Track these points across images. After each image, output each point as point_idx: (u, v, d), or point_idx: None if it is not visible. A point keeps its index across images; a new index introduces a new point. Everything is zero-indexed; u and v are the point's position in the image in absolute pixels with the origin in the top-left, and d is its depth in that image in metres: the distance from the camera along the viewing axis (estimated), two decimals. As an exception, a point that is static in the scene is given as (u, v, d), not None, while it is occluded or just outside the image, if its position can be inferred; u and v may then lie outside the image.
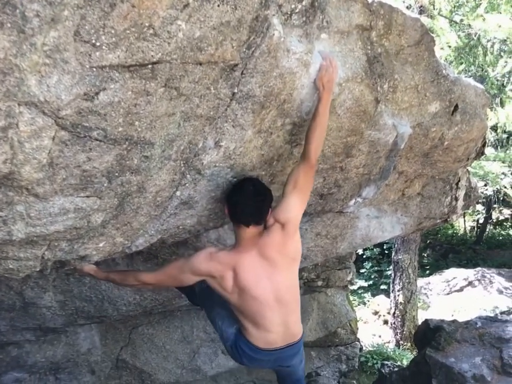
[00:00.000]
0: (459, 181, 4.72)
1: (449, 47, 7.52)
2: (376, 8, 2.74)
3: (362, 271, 15.84)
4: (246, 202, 2.75)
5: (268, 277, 2.88)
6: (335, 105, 2.79)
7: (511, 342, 5.28)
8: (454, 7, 8.02)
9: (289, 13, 2.32)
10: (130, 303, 3.87)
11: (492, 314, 11.39)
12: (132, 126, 2.06)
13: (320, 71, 2.56)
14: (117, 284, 3.42)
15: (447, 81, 3.38)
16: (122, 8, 1.70)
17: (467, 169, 4.83)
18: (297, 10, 2.35)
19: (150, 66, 1.91)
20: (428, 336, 5.79)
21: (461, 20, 8.01)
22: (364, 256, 16.10)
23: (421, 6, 6.00)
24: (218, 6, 1.96)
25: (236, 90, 2.34)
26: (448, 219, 5.05)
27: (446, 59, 9.23)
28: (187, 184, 2.62)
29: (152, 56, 1.88)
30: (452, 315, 11.91)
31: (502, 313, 11.59)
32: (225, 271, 2.86)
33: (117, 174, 2.22)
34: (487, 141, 9.99)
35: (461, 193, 4.84)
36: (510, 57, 7.48)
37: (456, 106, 3.56)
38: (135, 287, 3.42)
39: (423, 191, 4.45)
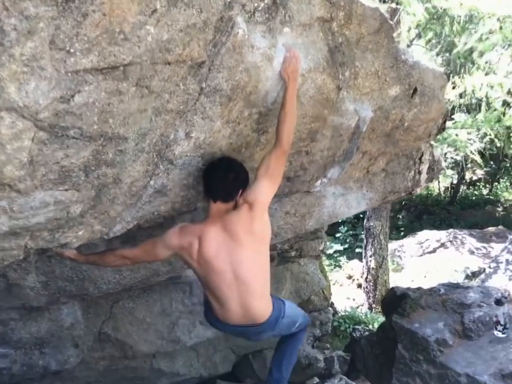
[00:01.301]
0: (422, 155, 4.91)
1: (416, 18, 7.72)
2: (337, 0, 2.88)
3: (338, 235, 16.12)
4: (216, 178, 2.90)
5: (228, 251, 3.01)
6: (299, 95, 2.93)
7: (472, 307, 5.57)
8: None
9: (252, 11, 2.44)
10: (110, 282, 4.01)
11: (463, 275, 11.84)
12: (106, 123, 2.18)
13: (284, 63, 2.70)
14: (97, 265, 3.58)
15: (406, 66, 3.55)
16: (94, 17, 1.80)
17: (430, 144, 5.02)
18: (260, 8, 2.47)
19: (121, 68, 2.03)
20: (395, 303, 6.05)
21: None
22: (340, 221, 16.36)
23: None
24: (185, 10, 2.08)
25: (204, 85, 2.47)
26: (412, 192, 5.25)
27: (417, 26, 9.40)
28: (160, 174, 2.76)
29: (123, 59, 2.00)
30: (425, 276, 12.29)
31: (472, 273, 12.00)
32: (192, 240, 3.04)
33: (93, 168, 2.35)
34: (457, 107, 10.26)
35: (424, 167, 5.04)
36: (474, 29, 7.67)
37: (415, 89, 3.73)
38: (115, 265, 3.53)
39: (387, 167, 4.64)
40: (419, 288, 6.22)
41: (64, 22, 1.76)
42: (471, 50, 7.46)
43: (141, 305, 5.45)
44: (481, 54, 7.17)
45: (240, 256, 3.01)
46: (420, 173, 5.03)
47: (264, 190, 2.98)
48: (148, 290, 5.37)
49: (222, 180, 2.91)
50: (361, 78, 3.30)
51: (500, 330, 5.20)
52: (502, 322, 5.16)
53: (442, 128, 4.67)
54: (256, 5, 2.44)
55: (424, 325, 5.48)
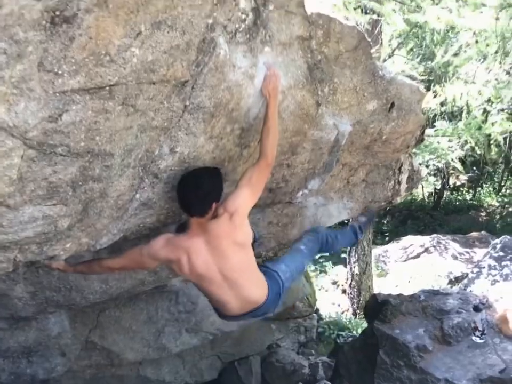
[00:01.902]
0: (401, 166, 5.03)
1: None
2: (315, 19, 2.99)
3: (323, 240, 16.18)
4: (188, 195, 2.96)
5: (215, 262, 3.12)
6: (280, 110, 3.04)
7: (451, 313, 5.68)
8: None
9: (233, 32, 2.54)
10: (97, 292, 4.07)
11: (446, 280, 11.96)
12: (93, 140, 2.27)
13: (264, 81, 2.80)
14: (85, 274, 3.66)
15: (383, 81, 3.67)
16: (80, 40, 1.88)
17: (409, 154, 5.14)
18: (241, 29, 2.57)
19: (108, 88, 2.11)
20: (376, 309, 6.15)
21: (411, 1, 8.29)
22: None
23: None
24: (168, 32, 2.17)
25: (187, 103, 2.56)
26: (392, 201, 5.37)
27: (399, 35, 9.55)
28: (145, 188, 2.85)
29: (109, 79, 2.08)
30: (409, 281, 12.38)
31: (455, 278, 12.12)
32: (180, 255, 3.11)
33: (80, 183, 2.43)
34: (439, 115, 10.42)
35: (404, 177, 5.16)
36: (455, 38, 7.83)
37: (393, 103, 3.86)
38: (102, 273, 3.64)
39: (367, 178, 4.75)
40: (400, 295, 6.33)
41: (52, 45, 1.84)
42: (449, 63, 7.62)
43: (127, 313, 5.51)
44: (457, 68, 7.33)
45: (226, 264, 3.13)
46: (399, 182, 5.16)
47: (245, 199, 3.07)
48: (134, 299, 5.43)
49: (195, 197, 2.96)
50: (340, 93, 3.42)
51: (478, 336, 5.31)
52: (480, 328, 5.28)
53: (420, 140, 4.79)
54: (237, 26, 2.54)
55: (405, 331, 5.59)
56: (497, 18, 5.69)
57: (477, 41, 6.47)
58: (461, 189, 21.73)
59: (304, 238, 3.90)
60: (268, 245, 4.61)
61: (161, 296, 5.70)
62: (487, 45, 6.05)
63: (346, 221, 4.12)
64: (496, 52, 5.85)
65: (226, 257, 3.12)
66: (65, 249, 2.80)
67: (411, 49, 9.62)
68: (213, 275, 3.15)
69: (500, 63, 5.74)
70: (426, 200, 21.19)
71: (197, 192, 2.95)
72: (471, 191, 21.40)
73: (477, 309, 5.36)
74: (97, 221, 2.77)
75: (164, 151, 2.72)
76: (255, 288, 3.32)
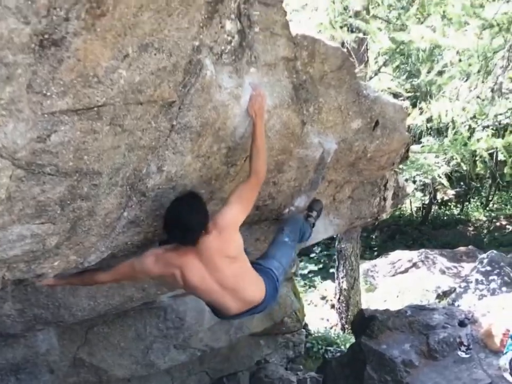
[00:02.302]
0: (387, 182, 5.10)
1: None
2: (300, 40, 3.06)
3: (312, 255, 16.20)
4: (179, 223, 2.96)
5: (210, 275, 3.14)
6: (266, 129, 3.09)
7: (437, 328, 5.73)
8: (389, 9, 8.45)
9: (219, 53, 2.60)
10: (85, 309, 4.09)
11: (434, 295, 12.03)
12: (81, 160, 2.30)
13: (250, 101, 2.86)
14: (76, 285, 3.68)
15: (367, 101, 3.75)
16: (69, 63, 1.92)
17: (394, 171, 5.21)
18: (227, 51, 2.63)
19: (95, 109, 2.15)
20: (363, 324, 6.19)
21: (396, 19, 8.44)
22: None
23: (356, 13, 6.35)
24: (155, 54, 2.22)
25: (174, 123, 2.61)
26: (378, 218, 5.44)
27: (385, 53, 9.68)
28: (133, 206, 2.88)
29: (97, 100, 2.12)
30: (397, 296, 12.44)
31: (443, 292, 12.19)
32: (174, 271, 3.12)
33: (68, 202, 2.46)
34: (425, 131, 10.54)
35: (389, 194, 5.23)
36: (440, 55, 7.95)
37: (377, 122, 3.93)
38: (93, 285, 3.67)
39: (353, 195, 4.81)
40: (387, 310, 6.38)
41: (41, 68, 1.87)
42: (433, 82, 7.73)
43: (115, 330, 5.52)
44: (441, 87, 7.45)
45: (222, 275, 3.17)
46: (385, 199, 5.22)
47: (235, 215, 3.11)
48: (123, 315, 5.44)
49: (183, 233, 3.00)
50: (324, 112, 3.49)
51: (463, 351, 5.36)
52: (466, 343, 5.33)
53: (405, 157, 4.86)
54: (223, 47, 2.60)
55: (392, 346, 5.63)
56: (480, 38, 5.81)
57: (460, 60, 6.59)
58: (449, 203, 21.88)
59: (286, 229, 3.89)
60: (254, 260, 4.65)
61: (150, 312, 5.71)
62: (470, 65, 6.16)
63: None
64: (479, 71, 5.96)
65: (220, 270, 3.16)
66: (53, 267, 2.82)
67: (397, 67, 9.76)
68: (210, 286, 3.19)
69: (483, 82, 5.84)
70: (415, 215, 21.31)
71: (186, 230, 2.99)
72: (458, 205, 21.56)
73: (462, 324, 5.41)
74: (85, 239, 2.80)
75: (151, 169, 2.76)
76: (254, 288, 3.38)
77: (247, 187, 3.08)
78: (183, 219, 2.93)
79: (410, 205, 21.12)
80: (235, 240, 3.19)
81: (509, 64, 5.41)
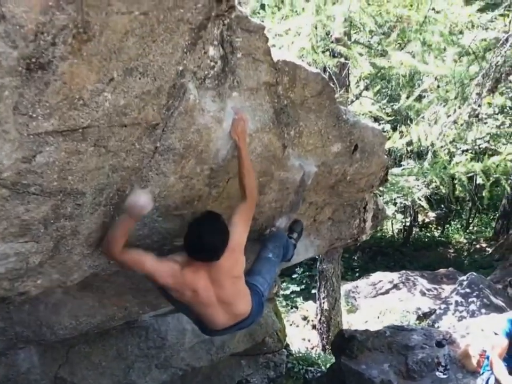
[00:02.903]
0: (366, 204, 5.19)
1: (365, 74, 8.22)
2: (281, 66, 3.14)
3: (294, 276, 16.22)
4: (203, 242, 3.04)
5: (214, 291, 3.24)
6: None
7: (416, 349, 5.80)
8: (370, 35, 8.62)
9: (203, 78, 2.66)
10: (67, 327, 4.08)
11: (415, 316, 12.12)
12: (65, 180, 2.35)
13: (233, 125, 2.93)
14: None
15: (347, 125, 3.85)
16: (55, 85, 1.98)
17: (374, 194, 5.30)
18: (210, 76, 2.70)
19: (80, 130, 2.21)
20: (343, 345, 6.24)
21: (378, 44, 8.62)
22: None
23: (337, 38, 6.49)
24: (140, 78, 2.29)
25: (158, 145, 2.67)
26: (358, 239, 5.52)
27: (366, 77, 9.85)
28: (116, 225, 2.93)
29: (82, 122, 2.18)
30: (378, 317, 12.51)
31: (424, 314, 12.29)
32: (184, 290, 3.20)
33: (52, 221, 2.51)
34: (406, 154, 10.70)
35: (369, 216, 5.31)
36: (420, 80, 8.13)
37: (356, 146, 4.02)
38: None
39: (333, 216, 4.89)
40: (366, 331, 6.44)
41: (28, 90, 1.93)
42: (411, 107, 7.89)
43: (97, 349, 5.50)
44: (419, 112, 7.61)
45: (224, 292, 3.29)
46: (364, 221, 5.30)
47: (241, 236, 3.25)
48: (104, 334, 5.43)
49: (211, 245, 3.08)
50: (305, 136, 3.57)
51: (441, 371, 5.42)
52: (443, 364, 5.39)
53: (384, 180, 4.96)
54: (206, 72, 2.67)
55: (371, 366, 5.68)
56: (458, 65, 5.97)
57: (438, 86, 6.75)
58: (430, 225, 22.08)
59: (270, 245, 3.95)
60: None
61: (131, 331, 5.71)
62: (447, 91, 6.32)
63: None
64: (456, 97, 6.10)
65: (225, 288, 3.28)
66: (37, 286, 2.85)
67: (378, 91, 9.92)
68: (211, 300, 3.28)
69: (459, 107, 5.98)
70: (396, 236, 21.46)
71: (210, 250, 3.10)
72: (439, 228, 21.75)
73: (439, 344, 5.48)
74: (68, 258, 2.84)
75: (135, 190, 2.81)
76: (243, 302, 3.47)
77: (246, 207, 3.20)
78: (208, 239, 3.04)
79: (392, 227, 21.29)
80: (242, 261, 3.35)
81: (482, 92, 5.55)
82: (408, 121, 8.78)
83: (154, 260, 3.11)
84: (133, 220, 2.86)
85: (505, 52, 5.23)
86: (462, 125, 6.50)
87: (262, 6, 6.79)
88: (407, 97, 7.49)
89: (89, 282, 3.60)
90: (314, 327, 12.24)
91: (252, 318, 3.56)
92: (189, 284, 3.17)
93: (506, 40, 5.23)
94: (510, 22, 5.83)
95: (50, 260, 2.74)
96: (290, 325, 12.64)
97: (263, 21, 6.45)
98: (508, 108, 11.43)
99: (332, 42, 6.38)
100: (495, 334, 4.80)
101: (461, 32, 7.83)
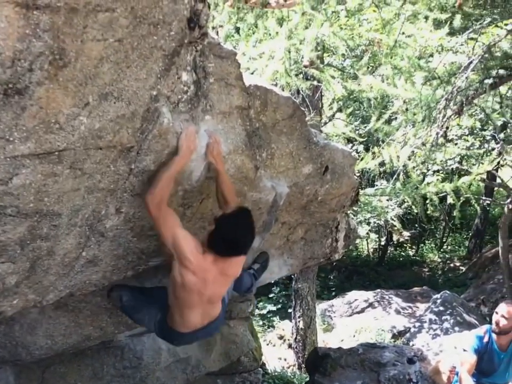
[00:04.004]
0: (338, 224, 5.29)
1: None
2: (253, 90, 3.25)
3: (271, 295, 16.24)
4: (240, 237, 3.17)
5: (211, 287, 3.27)
6: (220, 174, 3.25)
7: (388, 366, 5.90)
8: (343, 58, 8.82)
9: (176, 102, 2.75)
10: (42, 347, 4.08)
11: (390, 334, 12.23)
12: (41, 201, 2.41)
13: (208, 148, 3.01)
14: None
15: (317, 147, 3.96)
16: (31, 110, 2.04)
17: (346, 213, 5.41)
18: (183, 99, 2.78)
19: (56, 153, 2.27)
20: (317, 363, 6.31)
21: (350, 67, 8.82)
22: (272, 281, 16.50)
23: (306, 66, 6.62)
24: (115, 103, 2.36)
25: (133, 167, 2.74)
26: (330, 258, 5.60)
27: (339, 99, 10.04)
28: (92, 246, 2.98)
29: (58, 145, 2.24)
30: (354, 336, 12.59)
31: (398, 332, 12.41)
32: (197, 274, 3.14)
33: (28, 242, 2.55)
34: (378, 175, 10.88)
35: (341, 235, 5.41)
36: (391, 103, 8.33)
37: (327, 167, 4.14)
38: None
39: (306, 236, 4.98)
40: (340, 348, 6.52)
41: (5, 115, 1.99)
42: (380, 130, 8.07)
43: (72, 369, 5.46)
44: (387, 135, 7.79)
45: (217, 291, 3.39)
46: (337, 240, 5.40)
47: None
48: (80, 355, 5.40)
49: (246, 240, 3.23)
50: (277, 158, 3.67)
51: (412, 388, 5.52)
52: (414, 380, 5.47)
53: (355, 200, 5.07)
54: (179, 97, 2.75)
55: (344, 383, 5.75)
56: (426, 88, 6.15)
57: (407, 109, 6.93)
58: (404, 245, 22.27)
59: None
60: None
61: (107, 351, 5.69)
62: (414, 114, 6.49)
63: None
64: (423, 120, 6.27)
65: (220, 287, 3.39)
66: (12, 306, 2.88)
67: (351, 113, 10.12)
68: (204, 298, 3.30)
69: (427, 129, 6.15)
70: (371, 255, 21.62)
71: (241, 246, 3.22)
72: (414, 247, 21.95)
73: (410, 361, 5.58)
74: (44, 278, 2.88)
75: (110, 211, 2.87)
76: (219, 306, 3.55)
77: None
78: (243, 234, 3.16)
79: (367, 246, 21.47)
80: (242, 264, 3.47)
81: (447, 115, 5.73)
82: (380, 142, 8.94)
83: (185, 230, 3.09)
84: (183, 160, 2.89)
85: (467, 76, 5.41)
86: (431, 146, 6.66)
87: (237, 30, 6.91)
88: (377, 120, 7.65)
89: (65, 302, 3.64)
90: (290, 346, 12.26)
91: (218, 322, 3.60)
92: (203, 270, 3.15)
93: (469, 64, 5.42)
94: (473, 47, 6.03)
95: (26, 280, 2.78)
96: (267, 344, 12.65)
97: (237, 44, 6.60)
98: (477, 129, 11.75)
99: (306, 66, 6.51)
100: (464, 350, 4.91)
101: (431, 55, 8.07)
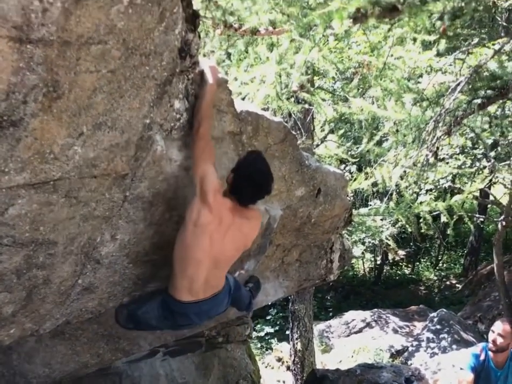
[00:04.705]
0: (333, 245, 5.32)
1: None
2: (245, 116, 3.30)
3: (268, 317, 16.23)
4: (259, 183, 3.10)
5: (221, 244, 3.12)
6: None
7: (385, 386, 5.90)
8: (333, 80, 8.94)
9: (169, 129, 2.80)
10: (40, 376, 4.06)
11: (388, 354, 12.21)
12: (37, 231, 2.44)
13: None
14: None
15: (309, 170, 4.01)
16: (26, 141, 2.06)
17: (340, 234, 5.45)
18: (176, 127, 2.83)
19: (52, 183, 2.30)
20: (315, 384, 6.32)
21: (341, 90, 8.92)
22: (270, 303, 16.46)
23: (300, 85, 6.71)
24: (108, 132, 2.40)
25: (127, 194, 2.77)
26: (326, 279, 5.63)
27: (331, 121, 10.13)
28: (88, 273, 2.99)
29: (53, 175, 2.27)
30: (352, 356, 12.56)
31: (397, 351, 12.39)
32: (213, 212, 3.00)
33: (24, 271, 2.58)
34: (371, 194, 10.95)
35: (336, 256, 5.44)
36: (382, 124, 8.42)
37: (319, 189, 4.19)
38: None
39: (301, 257, 5.00)
40: (337, 370, 6.51)
41: (0, 146, 2.01)
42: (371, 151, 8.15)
43: (69, 397, 5.45)
44: (379, 156, 7.87)
45: (223, 253, 3.22)
46: (331, 261, 5.43)
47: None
48: (78, 382, 5.38)
49: (260, 193, 3.16)
50: (270, 181, 3.70)
51: (411, 407, 5.52)
52: (412, 399, 5.49)
53: (349, 221, 5.12)
54: (172, 124, 2.80)
55: (341, 404, 5.75)
56: (414, 109, 6.23)
57: (397, 130, 7.01)
58: (400, 264, 22.31)
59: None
60: (208, 324, 4.75)
61: (105, 378, 5.66)
62: (404, 135, 6.56)
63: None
64: (413, 141, 6.34)
65: (230, 247, 3.23)
66: (9, 335, 2.89)
67: (342, 134, 10.20)
68: (212, 247, 3.11)
69: (417, 150, 6.21)
70: (368, 275, 21.64)
71: (263, 191, 3.16)
72: (409, 265, 21.99)
73: (408, 381, 5.58)
74: (40, 307, 2.89)
75: (105, 238, 2.90)
76: (221, 280, 3.41)
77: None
78: (264, 176, 3.11)
79: (363, 266, 21.50)
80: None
81: (436, 135, 5.79)
82: (373, 163, 9.01)
83: (212, 171, 2.99)
84: (214, 87, 2.93)
85: (455, 97, 5.48)
86: (422, 166, 6.72)
87: (228, 55, 6.99)
88: (368, 141, 7.73)
89: (61, 330, 3.64)
90: (288, 368, 12.21)
91: (221, 297, 3.44)
92: (220, 211, 3.04)
93: (457, 86, 5.50)
94: (461, 68, 6.13)
95: (22, 310, 2.80)
96: (266, 367, 12.61)
97: (229, 69, 6.68)
98: (468, 148, 11.85)
99: (295, 91, 6.59)
100: (461, 369, 4.92)
101: (420, 76, 8.17)
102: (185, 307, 3.31)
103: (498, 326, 4.80)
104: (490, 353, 4.89)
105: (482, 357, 4.92)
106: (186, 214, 3.04)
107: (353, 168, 11.87)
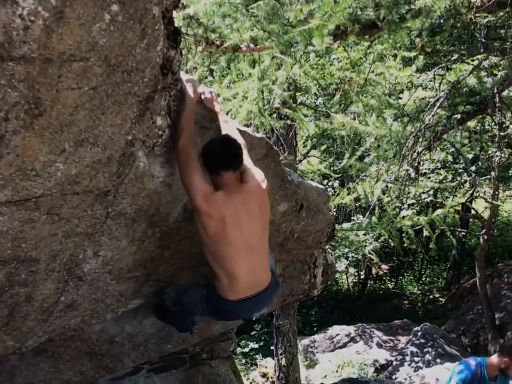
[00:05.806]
0: (316, 260, 5.34)
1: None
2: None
3: (253, 333, 16.15)
4: (220, 149, 3.04)
5: (246, 227, 3.11)
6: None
7: (370, 400, 5.91)
8: (316, 96, 9.02)
9: (151, 146, 2.81)
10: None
11: (373, 368, 12.22)
12: (19, 248, 2.43)
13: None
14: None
15: (292, 185, 4.04)
16: (8, 158, 2.05)
17: (323, 249, 5.47)
18: (158, 143, 2.84)
19: (33, 200, 2.29)
20: (300, 401, 6.29)
21: (323, 105, 9.02)
22: (254, 319, 16.33)
23: (282, 102, 6.76)
24: (90, 148, 2.39)
25: (110, 210, 2.77)
26: (309, 294, 5.64)
27: (313, 137, 10.22)
28: (70, 290, 2.98)
29: (35, 192, 2.27)
30: (337, 371, 12.56)
31: (381, 366, 12.41)
32: (216, 217, 3.00)
33: (6, 288, 2.56)
34: (354, 209, 11.03)
35: (319, 271, 5.46)
36: (364, 140, 8.51)
37: (302, 205, 4.22)
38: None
39: (284, 273, 5.01)
40: (322, 386, 6.51)
41: (-19, 164, 2.00)
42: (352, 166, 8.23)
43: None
44: (360, 171, 7.95)
45: (253, 229, 3.17)
46: (315, 276, 5.44)
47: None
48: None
49: (226, 149, 3.05)
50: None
51: (395, 421, 5.53)
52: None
53: (332, 236, 5.15)
54: (155, 141, 2.82)
55: (327, 420, 5.74)
56: (394, 124, 6.33)
57: (378, 146, 7.09)
58: (384, 278, 22.36)
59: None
60: (191, 340, 4.73)
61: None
62: (386, 150, 6.63)
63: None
64: (394, 156, 6.41)
65: (252, 225, 3.16)
66: (-10, 353, 2.88)
67: (325, 150, 10.30)
68: (235, 238, 3.09)
69: (398, 165, 6.29)
70: (352, 289, 21.65)
71: (228, 145, 3.07)
72: (393, 280, 22.06)
73: (393, 395, 5.59)
74: (22, 324, 2.87)
75: (88, 255, 2.89)
76: (266, 268, 3.35)
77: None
78: (226, 145, 3.06)
79: (347, 280, 21.51)
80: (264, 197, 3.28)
81: (416, 151, 5.88)
82: (355, 178, 9.09)
83: (200, 175, 3.01)
84: (193, 100, 2.98)
85: (435, 112, 5.57)
86: (404, 180, 6.80)
87: (211, 72, 7.04)
88: (350, 157, 7.81)
89: (44, 347, 3.61)
90: (273, 383, 12.15)
91: (269, 292, 3.38)
92: (217, 208, 3.01)
93: (436, 101, 5.59)
94: (440, 84, 6.23)
95: (4, 327, 2.78)
96: (251, 382, 12.55)
97: (211, 86, 6.71)
98: (449, 162, 12.01)
99: (277, 108, 6.65)
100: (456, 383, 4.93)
101: (401, 92, 8.29)
102: (230, 304, 3.26)
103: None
104: (484, 369, 4.91)
105: (478, 373, 4.93)
106: (196, 228, 3.09)
107: (336, 183, 11.95)
